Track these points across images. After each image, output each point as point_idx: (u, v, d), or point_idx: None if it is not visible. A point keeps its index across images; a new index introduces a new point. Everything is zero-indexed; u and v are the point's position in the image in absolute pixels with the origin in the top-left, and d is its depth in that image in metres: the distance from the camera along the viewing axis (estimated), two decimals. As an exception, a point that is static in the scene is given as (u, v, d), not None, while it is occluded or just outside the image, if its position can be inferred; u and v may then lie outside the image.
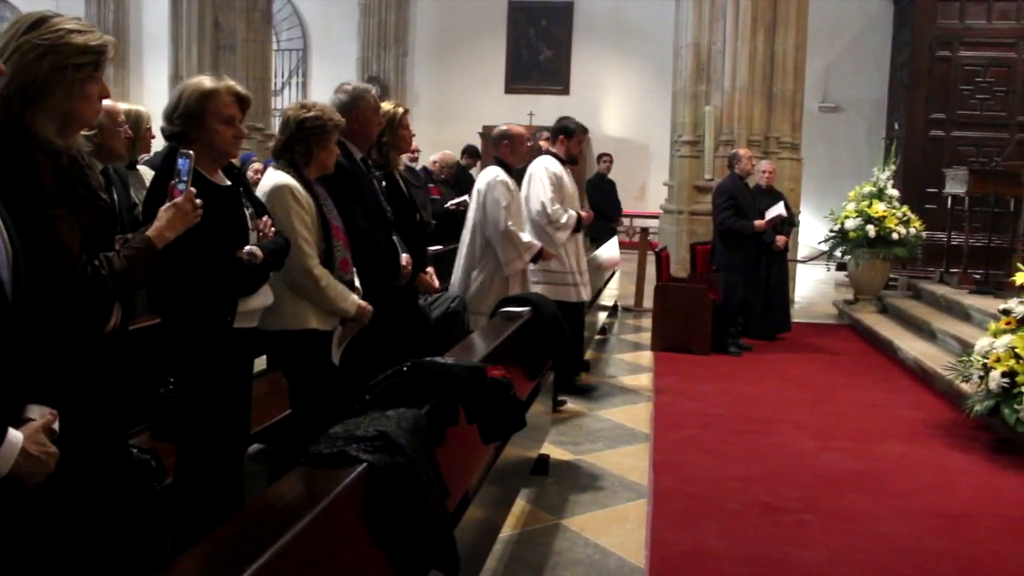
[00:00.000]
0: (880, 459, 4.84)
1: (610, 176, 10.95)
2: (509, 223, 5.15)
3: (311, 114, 3.23)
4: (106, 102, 2.41)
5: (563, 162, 5.84)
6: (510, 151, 5.36)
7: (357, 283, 3.38)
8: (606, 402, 5.86)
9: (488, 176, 5.29)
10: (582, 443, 4.99)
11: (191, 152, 2.40)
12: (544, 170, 5.71)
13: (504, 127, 5.50)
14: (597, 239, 10.06)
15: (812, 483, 4.43)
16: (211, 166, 2.75)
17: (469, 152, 10.27)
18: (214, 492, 2.73)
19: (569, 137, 5.88)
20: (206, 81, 2.75)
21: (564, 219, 5.65)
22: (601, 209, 10.61)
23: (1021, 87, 11.62)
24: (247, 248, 2.77)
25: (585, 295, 5.91)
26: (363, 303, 3.31)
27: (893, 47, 13.29)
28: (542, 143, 7.52)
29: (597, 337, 7.88)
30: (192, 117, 2.70)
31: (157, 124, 3.06)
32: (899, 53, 12.93)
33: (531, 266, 5.43)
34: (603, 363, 7.13)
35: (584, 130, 6.08)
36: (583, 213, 5.92)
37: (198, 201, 2.37)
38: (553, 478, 4.42)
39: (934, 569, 3.53)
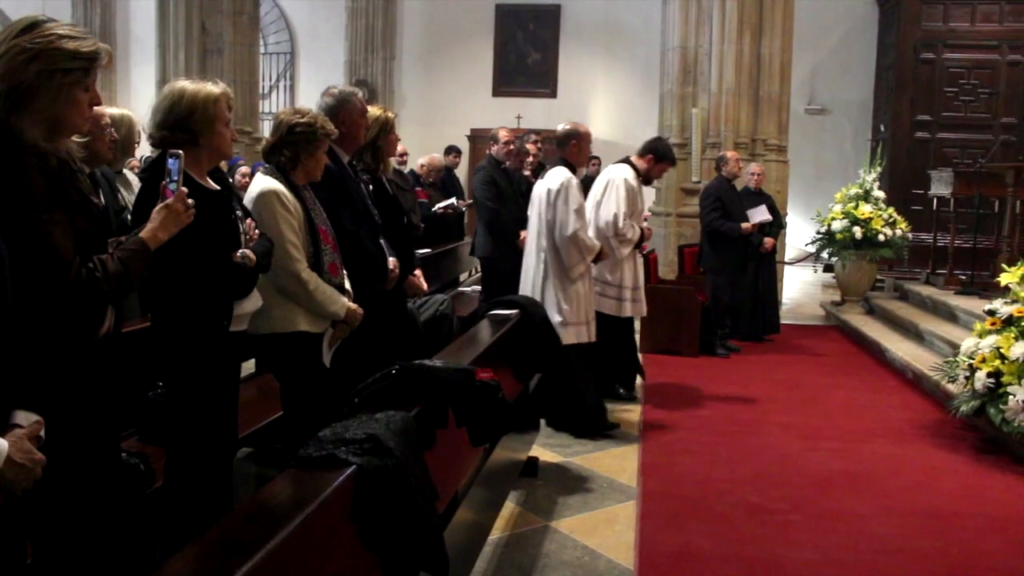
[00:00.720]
0: (867, 459, 4.87)
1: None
2: (578, 228, 5.07)
3: (303, 120, 3.23)
4: (92, 107, 2.41)
5: (638, 176, 5.90)
6: (577, 152, 5.31)
7: (348, 286, 3.39)
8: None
9: (560, 178, 5.13)
10: (571, 445, 5.00)
11: (180, 152, 2.40)
12: (624, 182, 5.72)
13: (570, 126, 5.35)
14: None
15: (800, 483, 4.45)
16: (205, 170, 2.77)
17: (452, 151, 10.31)
18: (204, 495, 2.73)
19: (658, 160, 5.95)
20: (210, 86, 2.76)
21: (630, 234, 5.71)
22: (589, 212, 10.64)
23: (1004, 89, 11.71)
24: (240, 251, 2.78)
25: (636, 311, 5.90)
26: (353, 306, 3.31)
27: (878, 49, 13.37)
28: (529, 145, 7.55)
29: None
30: (205, 122, 2.71)
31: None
32: (884, 55, 13.00)
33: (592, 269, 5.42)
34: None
35: (673, 163, 6.24)
36: (646, 228, 5.96)
37: (190, 201, 2.37)
38: (542, 480, 4.43)
39: (920, 568, 3.55)
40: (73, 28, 2.08)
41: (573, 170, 5.23)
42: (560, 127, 5.38)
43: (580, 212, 5.10)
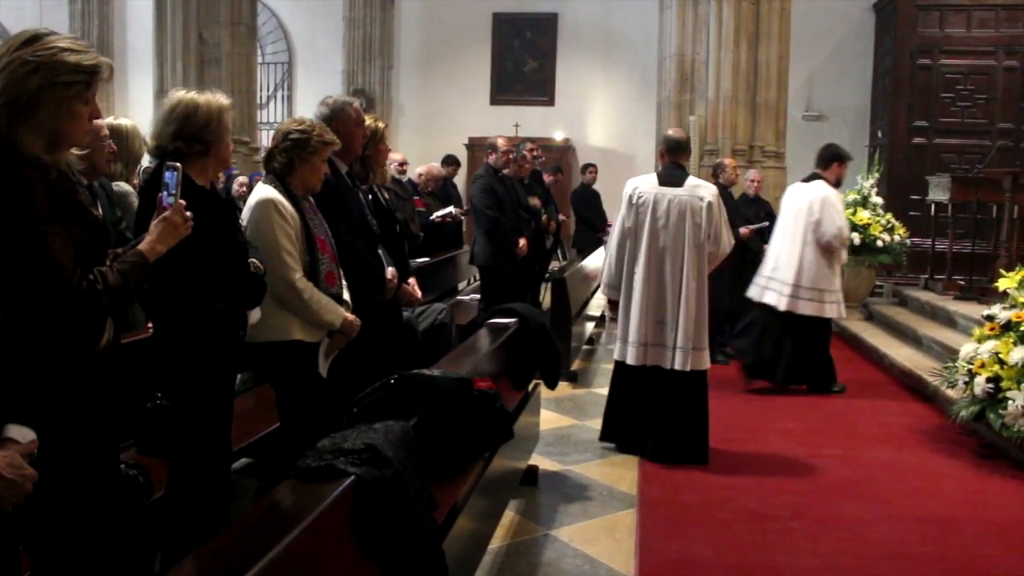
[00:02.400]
0: (867, 465, 4.87)
1: (595, 187, 10.97)
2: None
3: (298, 128, 3.26)
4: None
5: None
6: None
7: (346, 296, 3.39)
8: (594, 412, 5.86)
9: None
10: (571, 453, 4.99)
11: (178, 164, 2.40)
12: (836, 197, 6.42)
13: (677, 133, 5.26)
14: (583, 249, 10.09)
15: (800, 490, 4.45)
16: (210, 179, 2.80)
17: (450, 161, 10.31)
18: (206, 506, 2.73)
19: (841, 163, 6.54)
20: (219, 96, 2.79)
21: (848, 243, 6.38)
22: (587, 219, 10.65)
23: (1001, 95, 11.73)
24: (251, 259, 2.82)
25: (839, 312, 6.50)
26: (349, 316, 3.31)
27: (875, 56, 13.39)
28: (525, 152, 7.57)
29: (584, 347, 7.89)
30: (219, 132, 2.75)
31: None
32: (881, 62, 13.03)
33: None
34: (591, 373, 7.13)
35: (851, 158, 6.77)
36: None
37: (188, 213, 2.37)
38: (542, 489, 4.42)
39: (921, 573, 3.55)
40: (75, 41, 2.08)
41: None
42: (673, 132, 5.28)
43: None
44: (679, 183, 4.87)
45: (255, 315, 2.92)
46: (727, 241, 4.92)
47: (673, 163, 5.00)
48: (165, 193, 2.34)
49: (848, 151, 6.76)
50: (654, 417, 4.83)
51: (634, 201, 4.91)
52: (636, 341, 4.84)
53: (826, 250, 6.31)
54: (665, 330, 4.79)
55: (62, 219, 2.01)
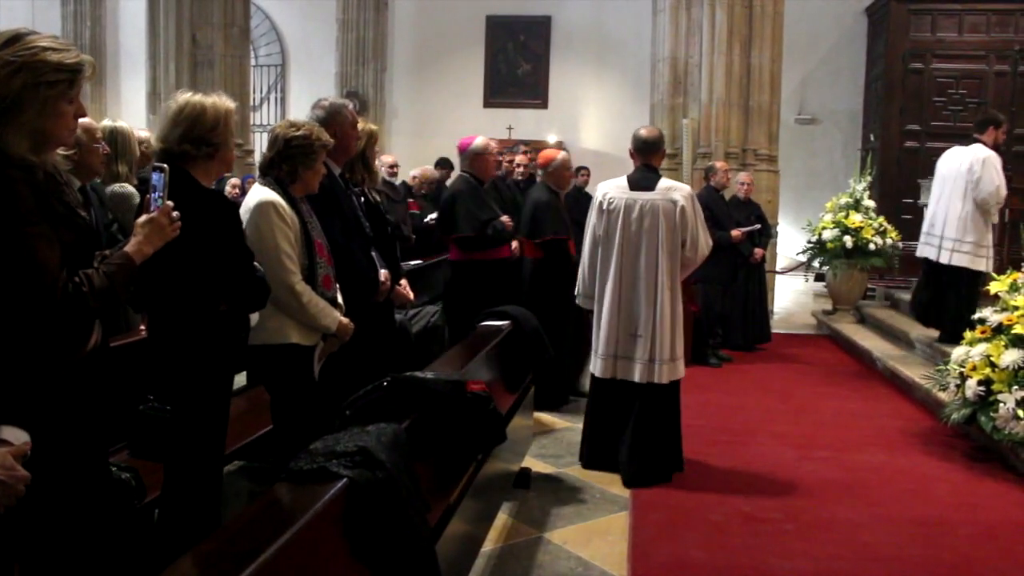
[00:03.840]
0: (860, 468, 4.88)
1: (588, 189, 10.97)
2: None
3: (299, 133, 3.24)
4: (84, 120, 2.41)
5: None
6: None
7: (340, 300, 3.38)
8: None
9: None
10: (564, 456, 4.99)
11: (165, 166, 2.38)
12: (996, 159, 6.61)
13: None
14: (577, 251, 10.07)
15: (793, 493, 4.46)
16: (213, 181, 2.80)
17: (443, 164, 10.31)
18: (199, 508, 2.72)
19: (998, 127, 6.77)
20: (225, 99, 2.80)
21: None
22: (580, 223, 10.63)
23: (992, 99, 11.76)
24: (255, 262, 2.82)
25: (988, 267, 6.68)
26: (345, 320, 3.31)
27: (867, 60, 13.45)
28: (522, 156, 7.57)
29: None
30: (225, 135, 2.76)
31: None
32: (873, 66, 13.08)
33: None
34: (583, 375, 7.12)
35: (1005, 121, 7.04)
36: None
37: (175, 214, 2.36)
38: (535, 491, 4.41)
39: (914, 576, 3.56)
40: (55, 40, 2.07)
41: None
42: (644, 131, 4.92)
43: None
44: (651, 186, 4.60)
45: (253, 318, 2.92)
46: (704, 244, 4.63)
47: (645, 165, 4.72)
48: (154, 195, 2.33)
49: (997, 115, 7.06)
50: (627, 435, 4.56)
51: (605, 207, 4.67)
52: (604, 353, 4.61)
53: (982, 207, 6.61)
54: (637, 342, 4.53)
55: (48, 220, 2.00)
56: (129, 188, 3.92)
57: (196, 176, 2.69)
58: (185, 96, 2.78)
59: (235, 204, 2.88)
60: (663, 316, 4.50)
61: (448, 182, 9.86)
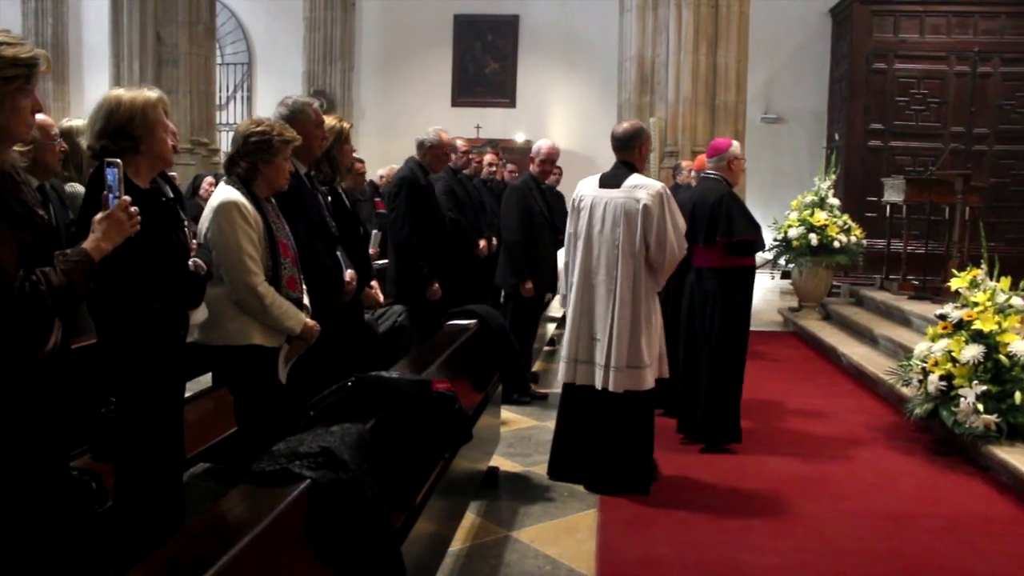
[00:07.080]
0: (824, 463, 4.93)
1: (558, 188, 10.98)
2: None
3: (257, 129, 3.20)
4: (40, 117, 2.37)
5: None
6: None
7: (306, 301, 3.35)
8: (555, 413, 5.86)
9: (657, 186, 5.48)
10: (532, 455, 4.99)
11: (119, 161, 2.34)
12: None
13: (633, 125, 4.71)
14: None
15: (759, 489, 4.49)
16: (147, 177, 2.74)
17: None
18: (156, 512, 2.69)
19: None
20: (146, 91, 2.74)
21: None
22: (550, 221, 10.64)
23: (953, 98, 11.97)
24: (191, 259, 2.77)
25: None
26: (310, 322, 3.27)
27: (832, 60, 13.60)
28: (491, 155, 7.55)
29: (546, 348, 7.90)
30: (146, 127, 2.69)
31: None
32: (837, 66, 13.24)
33: None
34: (552, 374, 7.12)
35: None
36: None
37: (133, 209, 2.32)
38: (503, 490, 4.41)
39: (877, 569, 3.60)
40: (8, 34, 2.04)
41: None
42: (622, 126, 4.70)
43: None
44: (617, 184, 4.40)
45: (198, 315, 2.87)
46: (676, 245, 4.33)
47: (621, 161, 4.52)
48: (111, 194, 2.29)
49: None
50: (590, 443, 4.43)
51: (576, 205, 4.53)
52: (566, 356, 4.46)
53: None
54: (596, 346, 4.36)
55: (5, 219, 1.97)
56: (80, 188, 3.86)
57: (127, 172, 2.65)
58: (111, 91, 2.75)
59: (166, 201, 2.80)
60: (621, 320, 4.28)
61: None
